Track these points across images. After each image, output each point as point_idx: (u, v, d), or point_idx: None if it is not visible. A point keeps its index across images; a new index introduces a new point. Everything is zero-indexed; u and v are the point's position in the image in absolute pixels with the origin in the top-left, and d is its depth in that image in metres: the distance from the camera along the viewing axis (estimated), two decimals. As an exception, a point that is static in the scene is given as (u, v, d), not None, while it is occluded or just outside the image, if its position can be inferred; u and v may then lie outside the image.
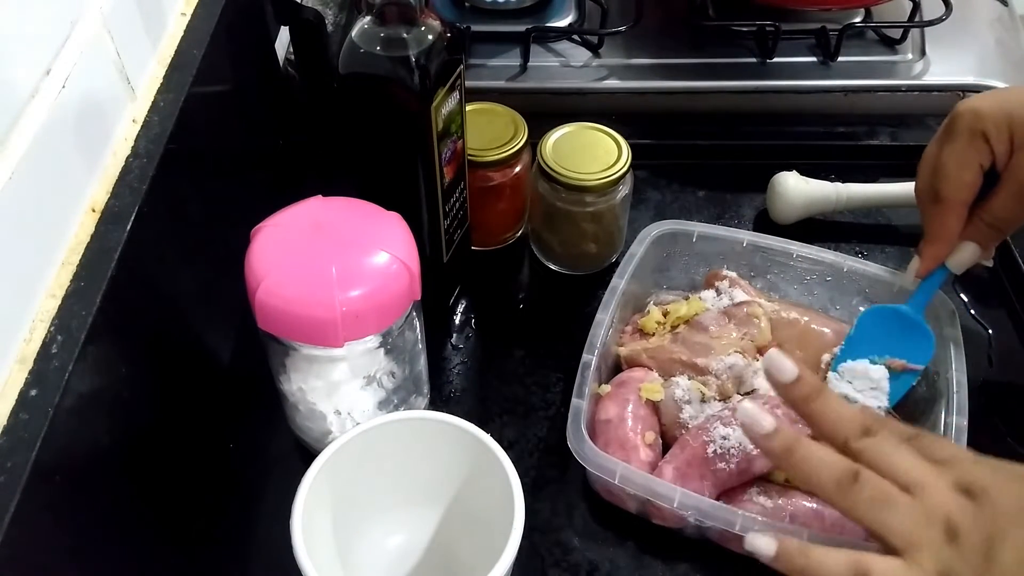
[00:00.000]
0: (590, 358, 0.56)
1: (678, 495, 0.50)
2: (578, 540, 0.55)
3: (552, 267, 0.71)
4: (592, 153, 0.65)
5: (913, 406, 0.59)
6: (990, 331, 0.67)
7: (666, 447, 0.55)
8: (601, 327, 0.57)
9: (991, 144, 0.52)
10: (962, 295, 0.68)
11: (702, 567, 0.54)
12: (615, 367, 0.61)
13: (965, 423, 0.53)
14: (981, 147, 0.52)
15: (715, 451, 0.52)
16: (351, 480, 0.49)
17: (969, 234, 0.55)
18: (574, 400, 0.54)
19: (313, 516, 0.46)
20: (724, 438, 0.52)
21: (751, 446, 0.51)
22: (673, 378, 0.57)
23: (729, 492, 0.53)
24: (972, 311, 0.68)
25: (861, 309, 0.61)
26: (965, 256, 0.55)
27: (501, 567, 0.43)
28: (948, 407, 0.54)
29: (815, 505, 0.51)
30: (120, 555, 0.46)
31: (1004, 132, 0.51)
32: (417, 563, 0.53)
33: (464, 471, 0.50)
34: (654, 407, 0.56)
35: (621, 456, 0.53)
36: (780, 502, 0.52)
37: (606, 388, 0.58)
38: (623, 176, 0.64)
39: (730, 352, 0.58)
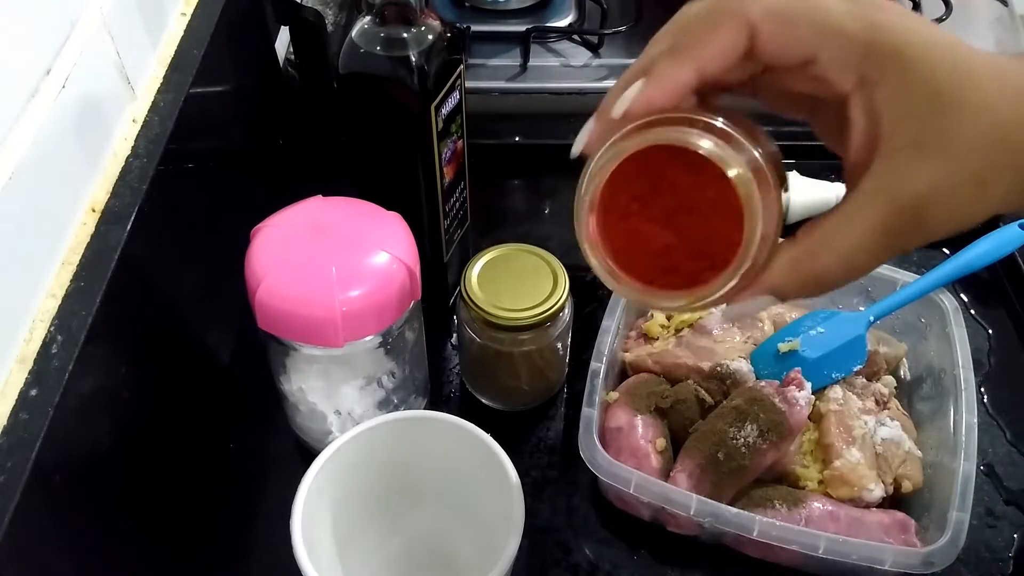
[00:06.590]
0: (599, 366, 0.55)
1: (694, 502, 0.49)
2: (578, 540, 0.55)
3: (486, 403, 0.62)
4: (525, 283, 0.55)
5: (921, 405, 0.59)
6: (990, 331, 0.67)
7: (675, 452, 0.55)
8: (608, 333, 0.57)
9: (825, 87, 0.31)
10: (962, 295, 0.68)
11: (714, 571, 0.54)
12: (620, 373, 0.61)
13: (975, 420, 0.53)
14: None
15: (725, 453, 0.52)
16: (351, 480, 0.49)
17: (775, 277, 0.34)
18: (585, 409, 0.53)
19: (313, 516, 0.46)
20: (732, 439, 0.52)
21: (759, 441, 0.51)
22: (680, 384, 0.57)
23: (743, 496, 0.53)
24: (972, 311, 0.68)
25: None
26: (754, 306, 0.35)
27: (501, 567, 0.43)
28: (957, 406, 0.54)
29: (830, 508, 0.51)
30: (120, 555, 0.46)
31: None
32: (417, 563, 0.53)
33: (464, 471, 0.50)
34: (663, 413, 0.56)
35: (633, 464, 0.53)
36: (795, 506, 0.51)
37: (614, 395, 0.57)
38: (560, 308, 0.55)
39: (735, 358, 0.57)
